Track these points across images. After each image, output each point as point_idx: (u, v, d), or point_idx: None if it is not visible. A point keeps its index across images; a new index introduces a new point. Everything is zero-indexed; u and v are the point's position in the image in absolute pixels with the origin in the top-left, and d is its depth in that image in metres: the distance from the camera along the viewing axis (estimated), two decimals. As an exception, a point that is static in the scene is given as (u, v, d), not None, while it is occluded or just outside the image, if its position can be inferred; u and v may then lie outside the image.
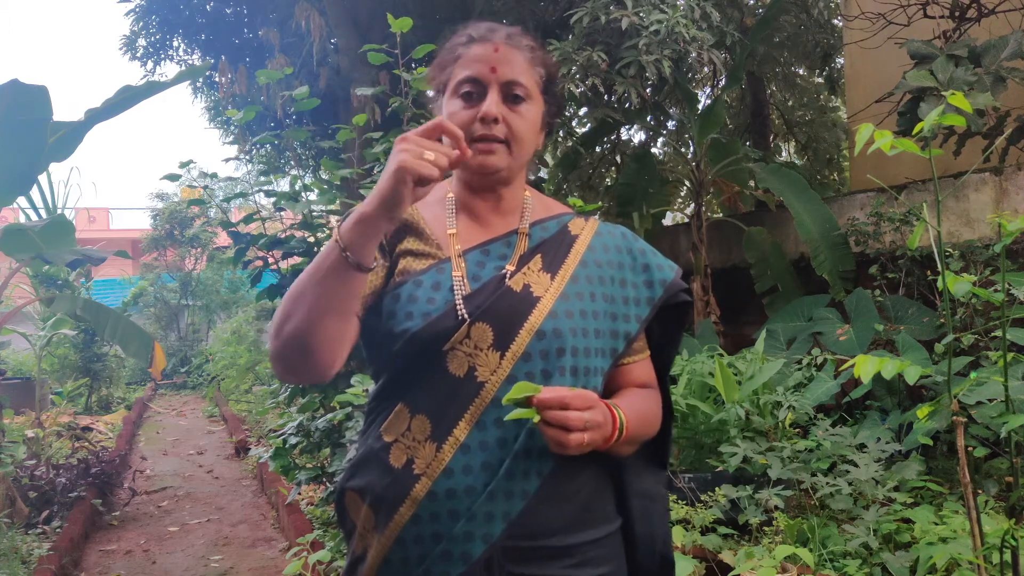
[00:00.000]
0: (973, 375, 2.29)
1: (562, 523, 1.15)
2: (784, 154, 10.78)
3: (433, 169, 1.00)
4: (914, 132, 2.11)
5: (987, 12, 5.17)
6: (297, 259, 3.50)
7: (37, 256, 4.48)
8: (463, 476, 1.11)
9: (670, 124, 8.58)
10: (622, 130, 8.21)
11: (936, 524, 2.74)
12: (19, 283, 7.43)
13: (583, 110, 7.54)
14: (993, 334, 3.42)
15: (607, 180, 9.04)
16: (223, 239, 11.82)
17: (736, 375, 3.80)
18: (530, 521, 1.13)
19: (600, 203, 6.81)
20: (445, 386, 1.14)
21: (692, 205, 6.73)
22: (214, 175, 3.90)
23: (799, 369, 4.20)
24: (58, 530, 4.31)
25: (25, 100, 3.82)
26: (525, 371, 1.14)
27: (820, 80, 9.58)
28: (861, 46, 6.10)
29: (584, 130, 8.11)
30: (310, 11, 6.79)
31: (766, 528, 3.07)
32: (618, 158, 8.71)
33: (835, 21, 8.03)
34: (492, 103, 1.16)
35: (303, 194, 3.45)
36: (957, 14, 5.29)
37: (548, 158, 8.37)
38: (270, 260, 3.53)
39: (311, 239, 3.43)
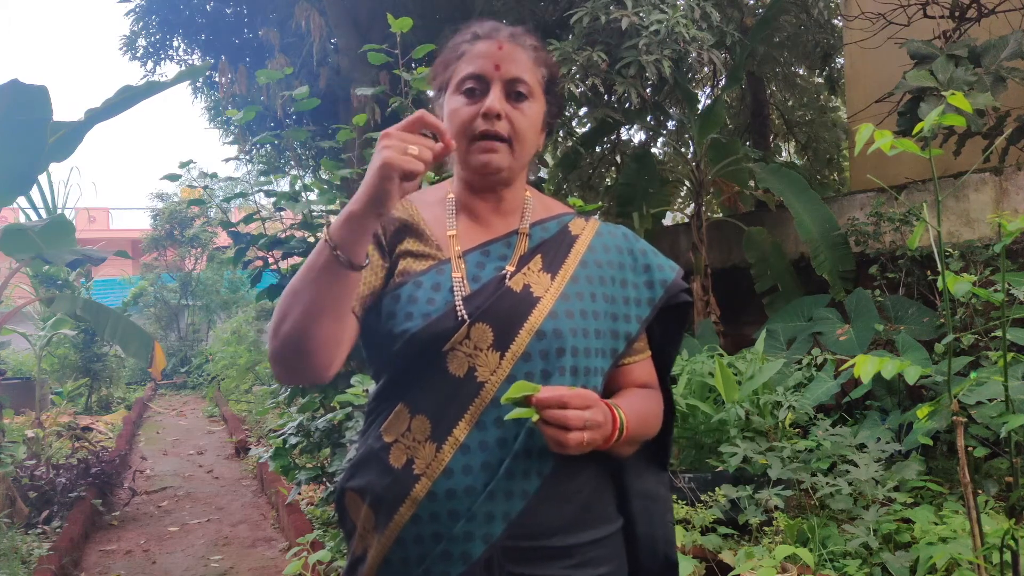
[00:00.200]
0: (973, 375, 2.29)
1: (562, 523, 1.15)
2: (784, 154, 10.78)
3: (418, 164, 1.00)
4: (914, 132, 2.11)
5: (987, 12, 5.17)
6: (297, 259, 3.50)
7: (37, 256, 4.48)
8: (463, 476, 1.11)
9: (670, 124, 8.58)
10: (622, 130, 8.21)
11: (936, 524, 2.74)
12: (19, 283, 7.43)
13: (583, 110, 7.54)
14: (993, 334, 3.42)
15: (607, 180, 9.04)
16: (223, 239, 11.82)
17: (736, 375, 3.80)
18: (530, 521, 1.13)
19: (600, 203, 6.81)
20: (445, 386, 1.14)
21: (692, 205, 6.74)
22: (214, 175, 3.91)
23: (799, 369, 4.20)
24: (58, 530, 4.31)
25: (25, 100, 3.82)
26: (525, 371, 1.13)
27: (820, 80, 9.58)
28: (861, 46, 6.10)
29: (584, 130, 8.11)
30: (310, 11, 6.79)
31: (766, 528, 3.07)
32: (618, 158, 8.71)
33: (835, 21, 8.03)
34: (495, 99, 1.16)
35: (303, 194, 3.45)
36: (957, 14, 5.29)
37: (548, 158, 8.37)
38: (270, 260, 3.53)
39: (311, 239, 3.43)
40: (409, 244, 1.21)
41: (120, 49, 8.55)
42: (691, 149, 7.03)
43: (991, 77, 4.21)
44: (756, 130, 8.81)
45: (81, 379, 9.40)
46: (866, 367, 1.87)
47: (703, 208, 6.00)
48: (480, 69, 1.18)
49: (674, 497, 3.25)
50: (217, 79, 7.97)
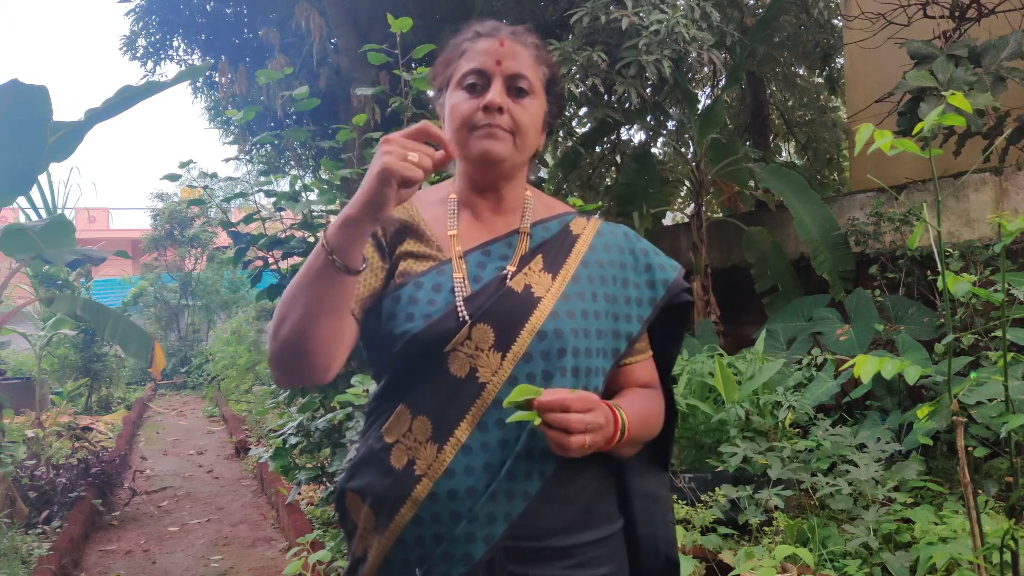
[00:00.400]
0: (973, 375, 2.28)
1: (563, 524, 1.15)
2: (784, 154, 10.78)
3: (417, 171, 1.00)
4: (914, 132, 2.11)
5: (987, 12, 5.17)
6: (297, 259, 3.50)
7: (37, 256, 4.48)
8: (464, 477, 1.11)
9: (670, 124, 8.58)
10: (622, 130, 8.21)
11: (936, 524, 2.74)
12: (19, 283, 7.43)
13: (583, 110, 7.54)
14: (993, 334, 3.42)
15: (607, 180, 9.04)
16: (223, 239, 11.82)
17: (736, 375, 3.80)
18: (531, 522, 1.13)
19: (600, 203, 6.81)
20: (446, 387, 1.14)
21: (692, 205, 6.74)
22: (214, 175, 3.90)
23: (799, 369, 4.20)
24: (58, 530, 4.31)
25: (25, 100, 3.82)
26: (526, 372, 1.13)
27: (820, 80, 9.58)
28: (861, 46, 6.10)
29: (584, 130, 8.11)
30: (310, 11, 6.79)
31: (766, 528, 3.07)
32: (618, 158, 8.71)
33: (835, 21, 8.03)
34: (496, 92, 1.16)
35: (303, 194, 3.45)
36: (957, 14, 5.29)
37: (548, 158, 8.36)
38: (270, 260, 3.53)
39: (311, 239, 3.43)
40: (409, 245, 1.21)
41: (120, 49, 8.55)
42: (691, 149, 7.03)
43: (991, 77, 4.21)
44: (756, 130, 8.81)
45: (81, 379, 9.39)
46: (866, 367, 1.87)
47: (703, 208, 6.00)
48: (481, 64, 1.18)
49: (674, 497, 3.25)
50: (217, 79, 7.97)
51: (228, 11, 8.66)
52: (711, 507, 3.16)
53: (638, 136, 9.36)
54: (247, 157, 9.90)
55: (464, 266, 1.19)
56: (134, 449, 7.36)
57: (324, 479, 3.40)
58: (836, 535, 2.94)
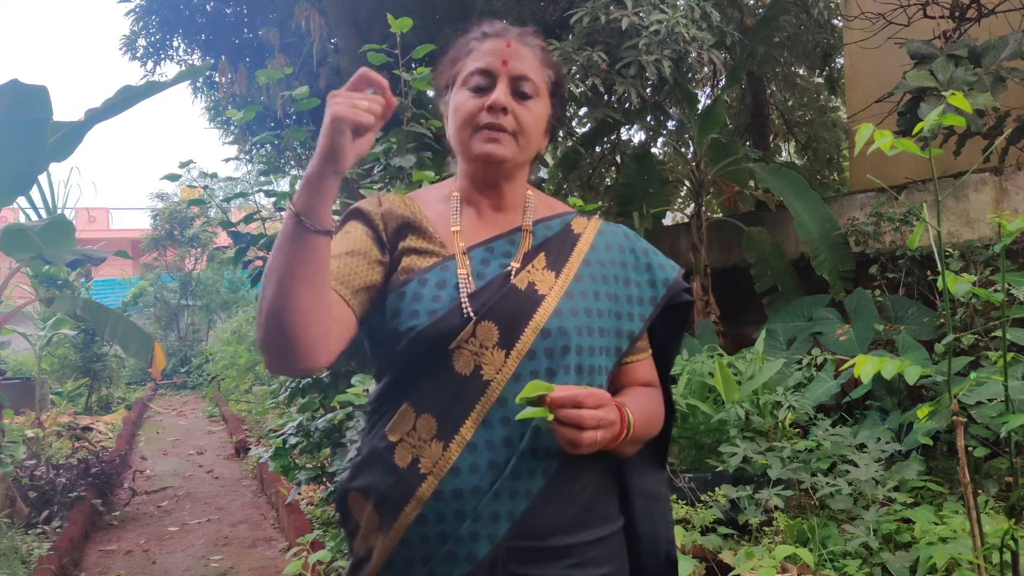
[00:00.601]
0: (973, 375, 2.29)
1: (565, 523, 1.15)
2: (784, 154, 10.78)
3: (368, 116, 1.00)
4: (914, 132, 2.11)
5: (987, 12, 5.17)
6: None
7: (37, 256, 4.49)
8: (470, 475, 1.11)
9: (670, 124, 8.58)
10: (622, 130, 8.21)
11: (936, 524, 2.74)
12: (19, 283, 7.43)
13: (583, 110, 7.54)
14: (993, 334, 3.42)
15: (607, 180, 9.04)
16: (223, 239, 11.82)
17: (736, 375, 3.80)
18: (534, 521, 1.13)
19: (600, 203, 6.81)
20: (451, 385, 1.13)
21: (692, 205, 6.74)
22: (214, 175, 3.90)
23: (799, 369, 4.20)
24: (58, 530, 4.31)
25: (25, 100, 3.82)
26: (530, 369, 1.14)
27: (820, 80, 9.59)
28: (861, 46, 6.10)
29: (584, 130, 8.11)
30: (310, 11, 6.79)
31: (766, 528, 3.07)
32: (618, 158, 8.71)
33: (835, 21, 8.03)
34: (501, 92, 1.17)
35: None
36: (957, 14, 5.29)
37: (548, 158, 8.36)
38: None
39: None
40: (412, 242, 1.21)
41: (120, 49, 8.54)
42: (691, 149, 7.03)
43: (991, 77, 4.21)
44: (756, 130, 8.81)
45: (81, 379, 9.39)
46: (866, 367, 1.87)
47: (703, 208, 6.00)
48: (487, 64, 1.18)
49: (674, 497, 3.25)
50: (217, 79, 7.97)
51: (228, 11, 8.66)
52: (711, 507, 3.16)
53: (638, 136, 9.37)
54: (247, 157, 9.90)
55: (468, 262, 1.19)
56: (134, 449, 7.36)
57: (324, 479, 3.40)
58: (836, 535, 2.94)
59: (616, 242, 1.29)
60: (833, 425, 3.67)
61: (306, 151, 8.62)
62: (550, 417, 1.04)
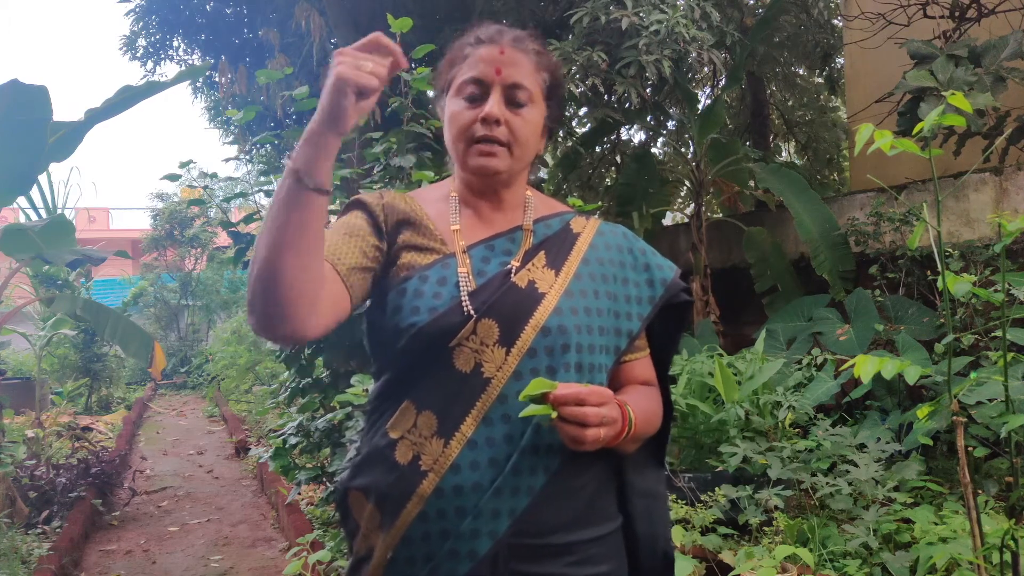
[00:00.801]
0: (973, 375, 2.28)
1: (565, 520, 1.16)
2: (784, 154, 10.78)
3: (372, 79, 0.99)
4: (914, 132, 2.11)
5: (987, 12, 5.17)
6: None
7: (37, 256, 4.48)
8: (470, 472, 1.11)
9: (670, 124, 8.58)
10: (622, 130, 8.21)
11: (936, 524, 2.74)
12: (19, 283, 7.43)
13: (583, 110, 7.54)
14: (993, 334, 3.42)
15: (607, 180, 9.04)
16: (223, 239, 11.81)
17: (736, 375, 3.79)
18: (534, 518, 1.13)
19: (600, 203, 6.81)
20: (451, 382, 1.14)
21: (692, 205, 6.74)
22: (214, 175, 3.90)
23: (799, 369, 4.20)
24: (58, 530, 4.31)
25: (25, 100, 3.82)
26: (531, 367, 1.14)
27: (820, 80, 9.59)
28: (861, 46, 6.10)
29: (584, 130, 8.11)
30: (310, 11, 6.79)
31: (766, 528, 3.07)
32: (618, 158, 8.71)
33: (835, 21, 8.04)
34: (494, 104, 1.17)
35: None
36: (957, 14, 5.29)
37: (548, 158, 8.36)
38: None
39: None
40: (412, 238, 1.21)
41: (120, 49, 8.55)
42: (691, 149, 7.03)
43: (991, 77, 4.21)
44: (756, 130, 8.81)
45: (81, 379, 9.39)
46: (866, 367, 1.87)
47: (703, 208, 6.00)
48: (481, 74, 1.18)
49: (674, 497, 3.25)
50: (217, 79, 7.97)
51: (228, 11, 8.66)
52: (711, 507, 3.16)
53: (638, 136, 9.37)
54: (247, 157, 9.90)
55: (468, 260, 1.20)
56: (134, 449, 7.36)
57: (324, 479, 3.40)
58: (836, 535, 2.94)
59: (615, 242, 1.30)
60: (833, 425, 3.67)
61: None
62: (553, 415, 1.04)
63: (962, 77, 4.22)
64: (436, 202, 1.27)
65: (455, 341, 1.14)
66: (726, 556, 2.92)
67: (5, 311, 6.60)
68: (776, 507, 3.05)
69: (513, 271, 1.19)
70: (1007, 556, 1.95)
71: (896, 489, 3.15)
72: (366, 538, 1.19)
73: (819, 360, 4.05)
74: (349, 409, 3.11)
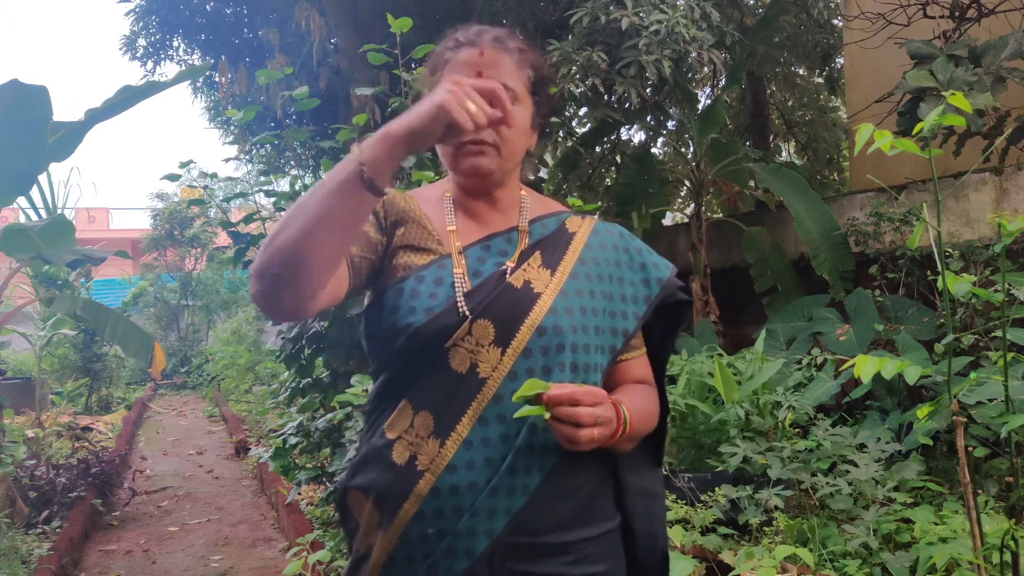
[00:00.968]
0: (973, 375, 2.28)
1: (562, 519, 1.16)
2: (784, 154, 10.78)
3: (469, 122, 0.99)
4: (914, 132, 2.11)
5: (987, 12, 5.17)
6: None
7: (37, 256, 4.48)
8: (466, 472, 1.12)
9: (670, 124, 8.57)
10: (622, 130, 8.21)
11: (936, 524, 2.74)
12: (19, 283, 7.43)
13: (583, 110, 7.54)
14: (993, 334, 3.42)
15: (607, 180, 9.04)
16: (223, 239, 11.82)
17: (736, 375, 3.79)
18: (531, 517, 1.14)
19: (600, 203, 6.81)
20: (447, 383, 1.14)
21: (692, 205, 6.74)
22: (214, 175, 3.91)
23: (799, 369, 4.19)
24: (58, 530, 4.31)
25: (25, 100, 3.82)
26: (526, 367, 1.14)
27: (820, 80, 9.59)
28: (861, 46, 6.10)
29: (584, 130, 8.11)
30: (310, 11, 6.80)
31: (766, 528, 3.07)
32: (618, 158, 8.71)
33: (835, 21, 8.04)
34: None
35: (303, 194, 3.44)
36: (957, 14, 5.29)
37: (548, 158, 8.36)
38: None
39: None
40: (410, 237, 1.22)
41: (120, 49, 8.56)
42: (691, 149, 7.03)
43: (991, 77, 4.21)
44: (756, 130, 8.81)
45: (81, 379, 9.39)
46: (866, 367, 1.87)
47: (703, 208, 6.00)
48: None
49: (673, 497, 3.25)
50: (217, 79, 7.98)
51: (228, 11, 8.66)
52: (711, 507, 3.16)
53: (638, 136, 9.37)
54: (247, 157, 9.91)
55: (464, 261, 1.20)
56: (134, 449, 7.36)
57: (324, 479, 3.40)
58: (836, 535, 2.94)
59: (611, 241, 1.30)
60: (833, 425, 3.67)
61: (306, 151, 8.63)
62: (547, 415, 1.05)
63: (962, 77, 4.22)
64: (433, 202, 1.27)
65: (451, 341, 1.14)
66: (726, 556, 2.91)
67: (5, 311, 6.60)
68: (776, 507, 3.05)
69: (509, 271, 1.20)
70: (1007, 556, 1.95)
71: (896, 489, 3.15)
72: (365, 537, 1.19)
73: (819, 360, 4.05)
74: (349, 409, 3.11)
